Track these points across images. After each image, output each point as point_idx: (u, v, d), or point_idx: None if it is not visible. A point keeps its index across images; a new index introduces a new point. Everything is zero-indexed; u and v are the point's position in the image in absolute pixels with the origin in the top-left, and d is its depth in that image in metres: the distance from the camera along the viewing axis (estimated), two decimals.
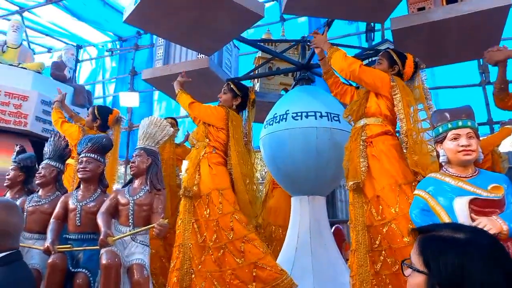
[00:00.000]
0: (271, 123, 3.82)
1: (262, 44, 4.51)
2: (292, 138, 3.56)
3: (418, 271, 0.88)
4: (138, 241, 2.30)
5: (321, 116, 3.69)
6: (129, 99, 7.82)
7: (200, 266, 2.62)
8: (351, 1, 2.90)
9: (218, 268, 2.64)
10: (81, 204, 2.49)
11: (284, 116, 3.72)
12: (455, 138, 1.79)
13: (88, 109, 4.30)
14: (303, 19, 7.00)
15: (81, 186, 2.59)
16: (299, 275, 3.33)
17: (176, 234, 2.82)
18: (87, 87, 7.78)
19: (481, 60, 6.30)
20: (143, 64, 8.22)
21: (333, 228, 4.95)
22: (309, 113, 3.68)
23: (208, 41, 3.34)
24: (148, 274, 2.24)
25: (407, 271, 0.92)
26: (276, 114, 3.81)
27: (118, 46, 8.83)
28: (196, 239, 2.69)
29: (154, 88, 8.55)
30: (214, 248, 2.68)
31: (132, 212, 2.36)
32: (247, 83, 4.53)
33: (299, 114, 3.68)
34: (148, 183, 2.42)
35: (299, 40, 4.41)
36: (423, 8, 3.04)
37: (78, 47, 8.75)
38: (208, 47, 3.49)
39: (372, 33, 4.65)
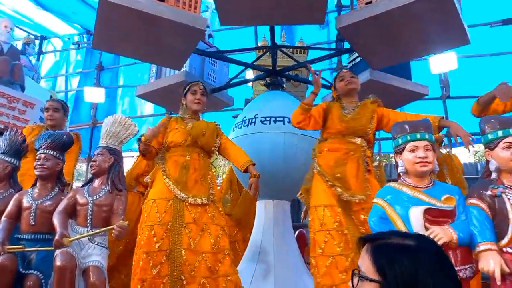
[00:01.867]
0: (239, 126, 3.82)
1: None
2: (260, 142, 3.57)
3: (371, 280, 0.88)
4: (96, 243, 2.22)
5: (289, 122, 3.73)
6: (95, 95, 7.58)
7: (193, 272, 2.51)
8: (282, 5, 2.93)
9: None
10: (36, 202, 2.37)
11: (253, 120, 3.74)
12: (413, 150, 1.87)
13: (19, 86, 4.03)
14: None
15: (38, 184, 2.47)
16: (261, 277, 3.35)
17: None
18: (48, 83, 7.45)
19: (442, 74, 6.64)
20: (110, 59, 7.99)
21: (297, 232, 5.01)
22: (277, 118, 3.72)
23: (170, 58, 3.38)
24: (105, 277, 2.17)
25: (356, 280, 0.91)
26: (245, 117, 3.82)
27: (85, 40, 8.53)
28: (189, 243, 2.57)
29: (119, 84, 8.37)
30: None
31: (90, 213, 2.27)
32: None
33: (268, 118, 3.71)
34: (109, 183, 2.34)
35: (269, 47, 4.45)
36: (370, 2, 2.80)
37: (42, 38, 8.38)
38: (174, 63, 3.52)
39: (342, 43, 4.75)
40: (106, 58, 8.01)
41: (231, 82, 4.50)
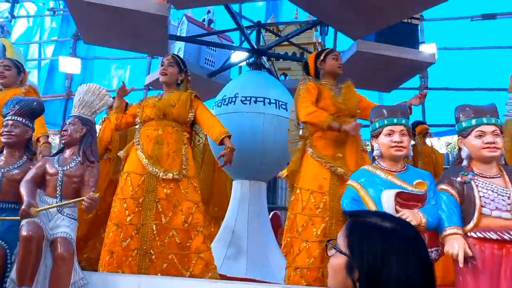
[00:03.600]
0: (219, 104, 3.77)
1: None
2: (239, 122, 3.54)
3: (341, 252, 0.90)
4: (64, 214, 2.15)
5: (269, 103, 3.72)
6: (70, 65, 7.29)
7: (162, 248, 2.47)
8: None
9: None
10: (2, 170, 2.27)
11: (233, 99, 3.70)
12: (389, 134, 1.89)
13: None
14: (261, 3, 6.97)
15: (4, 151, 2.36)
16: (233, 256, 3.38)
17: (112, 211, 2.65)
18: (20, 48, 7.08)
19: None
20: None
21: (271, 214, 5.07)
22: (258, 99, 3.69)
23: (152, 46, 3.53)
24: (74, 249, 2.12)
25: (331, 251, 0.95)
26: (225, 96, 3.77)
27: (61, 6, 8.13)
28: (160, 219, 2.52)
29: (96, 56, 8.07)
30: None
31: (60, 183, 2.20)
32: None
33: (248, 98, 3.68)
34: (81, 153, 2.27)
35: (253, 25, 4.38)
36: None
37: (14, 2, 7.92)
38: (158, 50, 3.66)
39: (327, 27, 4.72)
40: None
41: (224, 66, 4.43)
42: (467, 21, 6.36)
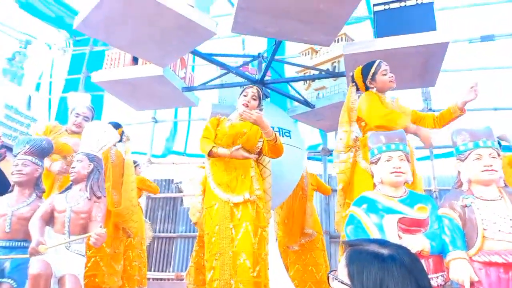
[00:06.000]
0: None
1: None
2: None
3: (342, 282, 0.92)
4: (72, 250, 2.20)
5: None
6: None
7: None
8: (298, 21, 2.84)
9: None
10: (12, 209, 2.34)
11: None
12: (388, 160, 1.92)
13: None
14: None
15: (14, 190, 2.43)
16: None
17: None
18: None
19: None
20: (95, 65, 7.93)
21: None
22: None
23: (160, 54, 3.28)
24: (81, 285, 2.14)
25: (333, 282, 0.96)
26: None
27: (71, 45, 8.47)
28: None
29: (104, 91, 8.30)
30: None
31: (68, 220, 2.25)
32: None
33: None
34: (88, 190, 2.33)
35: (255, 56, 4.51)
36: None
37: (27, 43, 8.27)
38: (161, 59, 3.44)
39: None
40: (92, 63, 7.96)
41: (206, 84, 4.48)
42: (465, 43, 6.48)
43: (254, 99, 2.80)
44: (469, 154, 1.81)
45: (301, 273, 4.17)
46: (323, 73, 4.35)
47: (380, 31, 3.39)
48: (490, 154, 1.77)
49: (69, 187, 2.44)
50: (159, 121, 7.34)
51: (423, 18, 3.30)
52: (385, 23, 3.41)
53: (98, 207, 2.30)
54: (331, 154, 6.78)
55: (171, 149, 7.27)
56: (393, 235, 1.76)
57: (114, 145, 3.18)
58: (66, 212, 2.26)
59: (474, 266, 1.64)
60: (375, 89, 2.69)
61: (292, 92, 4.63)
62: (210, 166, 2.70)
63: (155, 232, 6.22)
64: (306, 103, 4.52)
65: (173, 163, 7.11)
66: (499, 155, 1.79)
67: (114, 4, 2.66)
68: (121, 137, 3.08)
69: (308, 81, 4.84)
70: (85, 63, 8.02)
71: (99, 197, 2.34)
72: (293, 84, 4.70)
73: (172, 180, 6.93)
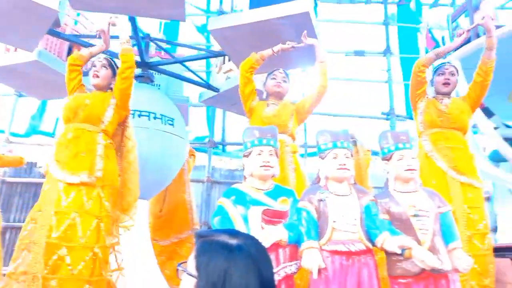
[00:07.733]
0: None
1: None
2: None
3: (190, 274, 0.89)
4: None
5: (155, 118, 3.61)
6: None
7: None
8: None
9: None
10: None
11: None
12: (259, 154, 1.99)
13: None
14: None
15: None
16: None
17: None
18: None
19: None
20: None
21: None
22: (142, 113, 3.56)
23: (23, 38, 3.24)
24: None
25: (182, 275, 0.93)
26: None
27: None
28: None
29: None
30: None
31: None
32: None
33: (132, 112, 3.51)
34: None
35: (141, 37, 4.25)
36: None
37: None
38: (27, 44, 3.37)
39: None
40: None
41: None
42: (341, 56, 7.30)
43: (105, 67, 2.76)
44: (328, 153, 1.99)
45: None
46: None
47: (253, 2, 3.27)
48: (345, 154, 1.98)
49: None
50: (24, 95, 6.36)
51: None
52: None
53: None
54: (217, 147, 6.84)
55: (38, 128, 6.38)
56: (256, 225, 1.83)
57: None
58: None
59: (323, 254, 1.81)
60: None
61: (193, 77, 4.44)
62: (57, 141, 2.49)
63: (7, 222, 5.37)
64: (208, 86, 4.41)
65: (38, 145, 6.25)
66: (352, 155, 2.02)
67: None
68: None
69: (218, 65, 4.73)
70: None
71: None
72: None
73: (36, 163, 6.08)
